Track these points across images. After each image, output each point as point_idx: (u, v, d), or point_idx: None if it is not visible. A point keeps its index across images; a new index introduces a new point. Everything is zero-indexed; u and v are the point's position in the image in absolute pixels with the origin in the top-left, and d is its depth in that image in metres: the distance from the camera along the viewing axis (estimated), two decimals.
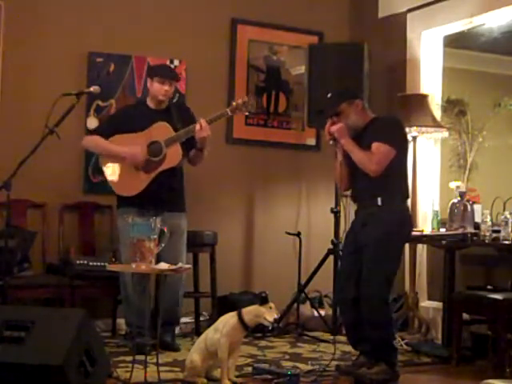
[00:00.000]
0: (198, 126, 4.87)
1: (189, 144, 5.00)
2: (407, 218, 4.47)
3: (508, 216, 4.85)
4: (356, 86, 5.52)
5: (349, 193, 4.66)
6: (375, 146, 4.29)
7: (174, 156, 4.95)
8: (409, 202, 5.70)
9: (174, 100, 5.70)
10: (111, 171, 5.03)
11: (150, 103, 5.12)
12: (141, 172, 4.95)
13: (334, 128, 4.40)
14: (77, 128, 5.62)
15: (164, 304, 4.80)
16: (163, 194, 4.97)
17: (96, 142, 5.08)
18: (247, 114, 5.28)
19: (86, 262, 5.29)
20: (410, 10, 6.13)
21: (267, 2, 6.42)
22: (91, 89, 4.60)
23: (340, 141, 4.40)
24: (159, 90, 5.04)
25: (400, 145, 4.37)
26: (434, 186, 5.98)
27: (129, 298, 4.96)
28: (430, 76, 6.03)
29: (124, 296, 5.03)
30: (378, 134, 4.35)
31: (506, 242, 4.81)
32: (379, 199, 4.34)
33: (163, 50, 5.99)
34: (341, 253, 5.37)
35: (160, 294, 4.82)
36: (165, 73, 5.12)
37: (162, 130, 4.95)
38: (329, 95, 4.58)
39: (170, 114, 5.06)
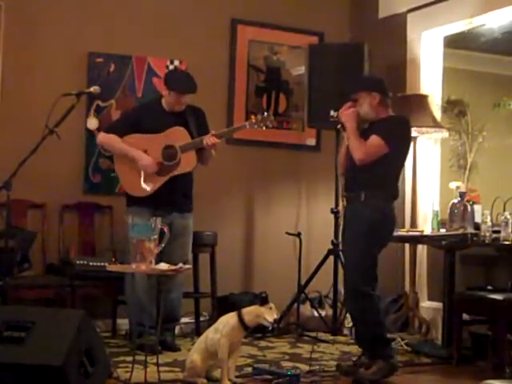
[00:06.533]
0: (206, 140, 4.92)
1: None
2: (387, 219, 4.40)
3: (508, 216, 4.85)
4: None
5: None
6: (371, 137, 4.32)
7: (189, 162, 4.98)
8: (409, 202, 5.76)
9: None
10: (124, 170, 5.04)
11: (165, 106, 5.10)
12: (154, 174, 4.96)
13: (344, 112, 4.43)
14: (77, 128, 5.63)
15: (166, 302, 4.78)
16: (175, 196, 5.01)
17: (112, 141, 5.06)
18: (264, 128, 5.21)
19: (85, 262, 5.30)
20: (410, 11, 6.13)
21: (267, 2, 6.42)
22: (91, 89, 4.60)
23: (345, 124, 4.42)
24: (175, 102, 5.03)
25: (396, 144, 4.35)
26: (433, 186, 5.97)
27: (139, 299, 4.83)
28: (430, 76, 6.03)
29: (132, 297, 4.87)
30: (379, 128, 4.36)
31: (506, 243, 4.81)
32: (363, 194, 4.34)
33: (163, 50, 6.00)
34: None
35: (162, 293, 4.80)
36: (183, 88, 5.02)
37: (178, 135, 4.98)
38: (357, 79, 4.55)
39: (186, 118, 5.06)
